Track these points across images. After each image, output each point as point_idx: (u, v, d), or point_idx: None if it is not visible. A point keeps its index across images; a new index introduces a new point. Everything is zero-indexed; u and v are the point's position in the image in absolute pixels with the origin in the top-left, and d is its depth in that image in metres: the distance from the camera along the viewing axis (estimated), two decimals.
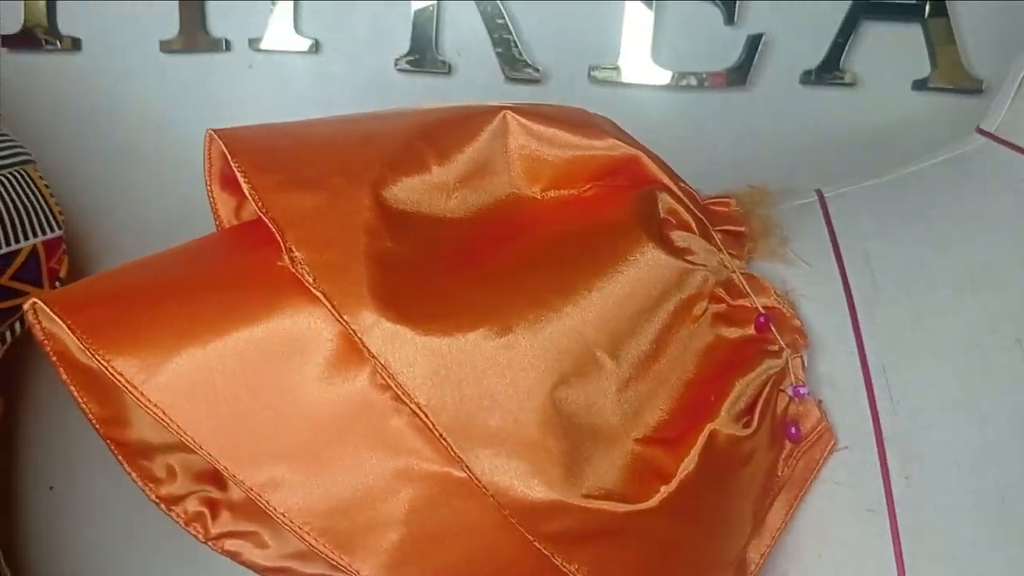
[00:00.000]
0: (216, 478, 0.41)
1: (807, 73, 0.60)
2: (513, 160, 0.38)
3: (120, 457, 0.41)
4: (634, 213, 0.36)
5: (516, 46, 0.60)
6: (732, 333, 0.37)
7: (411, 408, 0.30)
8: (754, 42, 0.59)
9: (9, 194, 0.46)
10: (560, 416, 0.31)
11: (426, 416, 0.30)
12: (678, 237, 0.38)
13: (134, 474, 0.42)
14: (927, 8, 0.58)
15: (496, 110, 0.37)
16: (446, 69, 0.61)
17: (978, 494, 0.33)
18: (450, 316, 0.31)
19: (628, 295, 0.34)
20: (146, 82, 0.64)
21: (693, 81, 0.60)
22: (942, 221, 0.39)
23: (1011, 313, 0.35)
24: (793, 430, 0.36)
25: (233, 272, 0.35)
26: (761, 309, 0.37)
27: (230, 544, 0.43)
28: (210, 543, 0.43)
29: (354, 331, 0.30)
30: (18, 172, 0.48)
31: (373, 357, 0.30)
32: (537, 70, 0.61)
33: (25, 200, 0.47)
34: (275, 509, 0.32)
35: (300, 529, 0.32)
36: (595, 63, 0.60)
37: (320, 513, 0.32)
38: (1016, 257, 0.37)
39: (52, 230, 0.48)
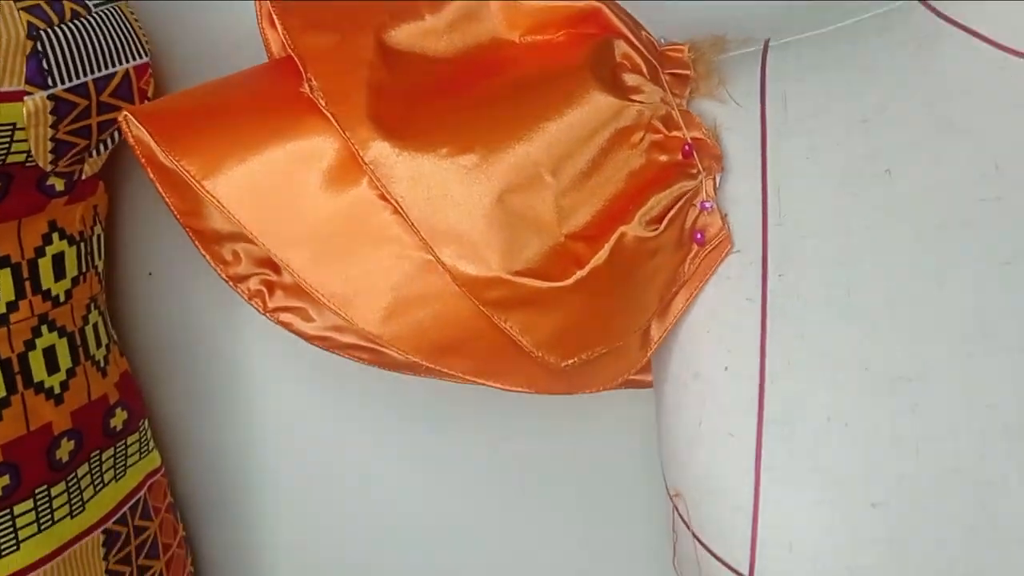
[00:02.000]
0: (272, 263, 0.53)
1: None
2: (495, 10, 0.46)
3: (197, 243, 0.53)
4: (588, 59, 0.45)
5: None
6: (663, 158, 0.46)
7: (393, 204, 0.41)
8: None
9: (105, 27, 0.57)
10: (504, 214, 0.41)
11: (403, 210, 0.41)
12: (629, 78, 0.47)
13: (208, 256, 0.54)
14: None
15: None
16: None
17: (831, 287, 0.42)
18: (427, 135, 0.41)
19: (571, 127, 0.43)
20: None
21: None
22: (851, 69, 0.46)
23: (888, 147, 0.44)
24: (699, 235, 0.46)
25: (271, 97, 0.45)
26: (688, 139, 0.46)
27: (284, 316, 0.56)
28: (268, 315, 0.56)
29: (353, 144, 0.41)
30: (113, 9, 0.59)
31: (365, 164, 0.41)
32: None
33: (118, 32, 0.58)
34: (298, 275, 0.44)
35: (316, 292, 0.44)
36: None
37: (329, 282, 0.44)
38: (904, 100, 0.44)
39: (141, 56, 0.59)
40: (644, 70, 0.47)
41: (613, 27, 0.47)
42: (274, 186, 0.44)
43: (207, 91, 0.48)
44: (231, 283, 0.55)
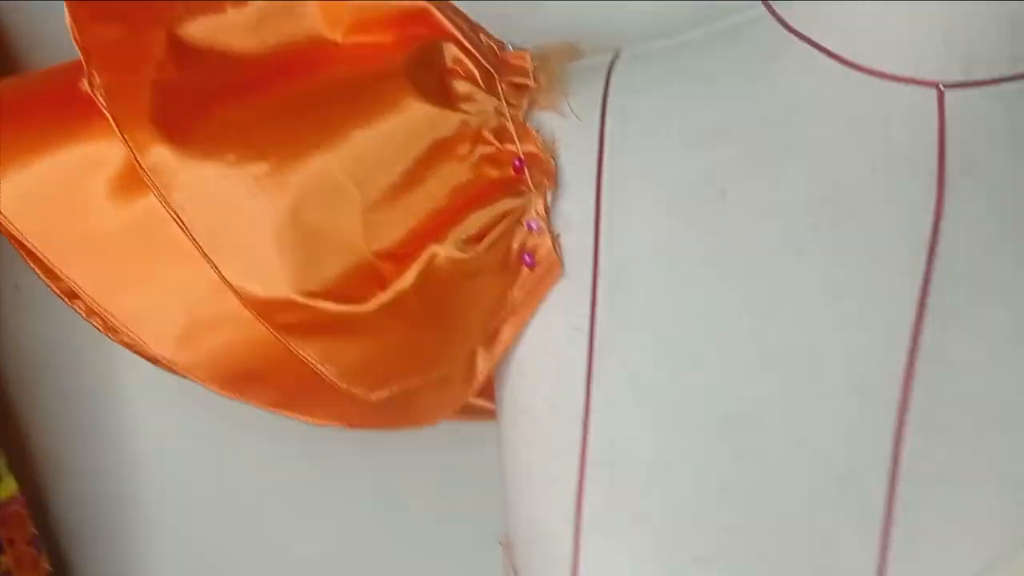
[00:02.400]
0: None
1: None
2: (312, 7, 0.43)
3: (22, 253, 0.49)
4: (407, 64, 0.41)
5: None
6: (494, 172, 0.43)
7: (171, 215, 0.37)
8: None
9: None
10: (299, 230, 0.37)
11: (182, 223, 0.37)
12: (459, 85, 0.43)
13: (35, 269, 0.50)
14: None
15: None
16: None
17: (659, 319, 0.39)
18: (214, 140, 0.38)
19: (382, 137, 0.39)
20: None
21: None
22: (695, 83, 0.43)
23: (724, 167, 0.40)
24: (527, 258, 0.42)
25: (62, 96, 0.41)
26: (521, 153, 0.43)
27: (125, 337, 0.52)
28: (108, 335, 0.52)
29: (131, 148, 0.37)
30: None
31: (143, 171, 0.37)
32: None
33: None
34: (86, 294, 0.40)
35: (106, 313, 0.40)
36: None
37: (119, 302, 0.40)
38: (743, 118, 0.41)
39: None
40: (477, 77, 0.43)
41: (443, 29, 0.43)
42: (59, 195, 0.40)
43: (7, 85, 0.44)
44: (65, 299, 0.51)
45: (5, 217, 0.40)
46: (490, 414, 0.53)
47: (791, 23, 0.42)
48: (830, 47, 0.40)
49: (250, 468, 0.80)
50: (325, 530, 0.81)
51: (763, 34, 0.43)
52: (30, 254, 0.48)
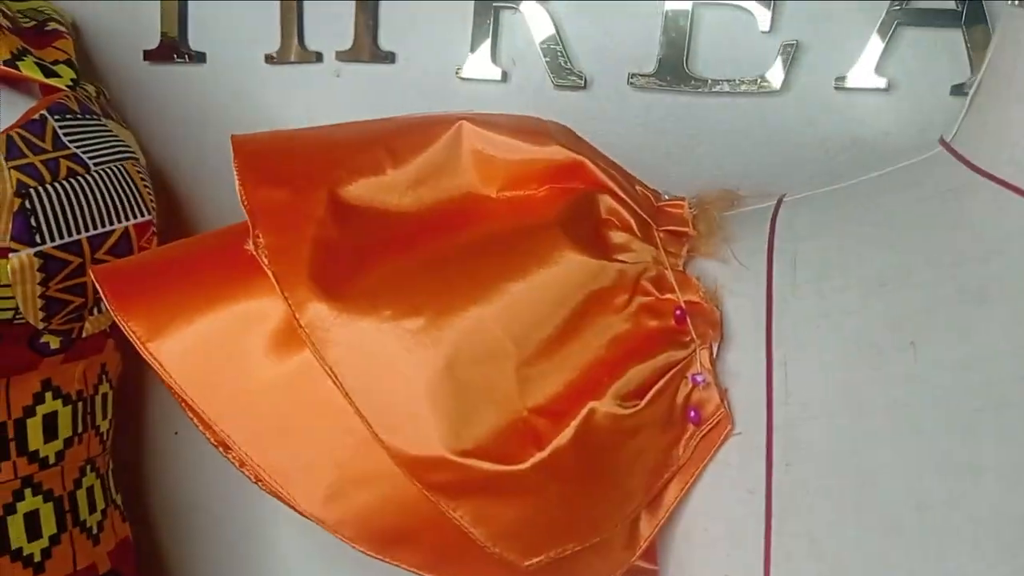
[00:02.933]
0: None
1: (841, 78, 0.61)
2: (468, 163, 0.43)
3: (183, 406, 0.50)
4: (563, 214, 0.41)
5: (562, 55, 0.65)
6: (653, 323, 0.41)
7: (326, 370, 0.37)
8: (788, 49, 0.61)
9: (107, 185, 0.57)
10: (452, 385, 0.36)
11: (336, 379, 0.36)
12: (615, 236, 0.42)
13: (194, 420, 0.51)
14: (964, 13, 0.57)
15: (453, 119, 0.43)
16: (502, 77, 0.67)
17: (844, 479, 0.35)
18: (371, 297, 0.37)
19: (537, 290, 0.38)
20: (255, 90, 0.74)
21: (727, 87, 0.62)
22: (870, 225, 0.40)
23: (911, 315, 0.37)
24: (692, 413, 0.39)
25: (227, 256, 0.43)
26: (681, 303, 0.41)
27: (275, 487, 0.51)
28: (259, 484, 0.52)
29: (290, 305, 0.37)
30: (117, 167, 0.58)
31: (301, 328, 0.37)
32: (581, 77, 0.65)
33: (119, 190, 0.57)
34: (239, 448, 0.40)
35: (256, 466, 0.39)
36: (634, 70, 0.64)
37: (270, 456, 0.39)
38: (927, 261, 0.38)
39: (142, 215, 0.59)
40: (633, 226, 0.42)
41: (598, 181, 0.43)
42: (219, 351, 0.40)
43: (171, 249, 0.46)
44: (220, 449, 0.51)
45: (167, 373, 0.40)
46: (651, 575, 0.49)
47: (976, 163, 0.39)
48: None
49: None
50: None
51: (944, 175, 0.40)
52: (188, 406, 0.49)
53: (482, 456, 0.35)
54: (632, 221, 0.42)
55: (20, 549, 0.56)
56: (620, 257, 0.41)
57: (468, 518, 0.36)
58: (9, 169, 0.51)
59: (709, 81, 0.63)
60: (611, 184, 0.43)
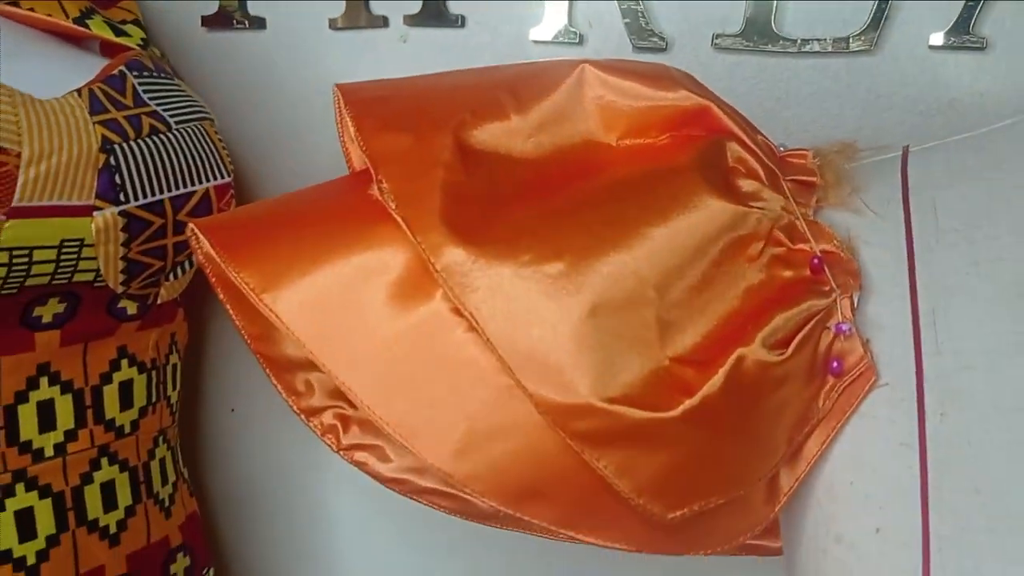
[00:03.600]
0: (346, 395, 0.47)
1: (936, 38, 0.59)
2: (590, 110, 0.41)
3: (268, 370, 0.48)
4: (697, 161, 0.39)
5: (643, 16, 0.63)
6: (787, 273, 0.39)
7: (468, 318, 0.35)
8: (881, 7, 0.59)
9: (186, 145, 0.55)
10: (597, 332, 0.35)
11: (479, 325, 0.35)
12: (745, 184, 0.41)
13: (279, 386, 0.49)
14: None
15: (576, 64, 0.41)
16: (577, 40, 0.65)
17: (1013, 432, 0.34)
18: (508, 241, 0.36)
19: (679, 237, 0.37)
20: (318, 56, 0.72)
21: (817, 47, 0.61)
22: (1013, 174, 0.39)
23: None
24: (835, 364, 0.38)
25: (341, 206, 0.41)
26: (817, 252, 0.39)
27: (358, 455, 0.50)
28: (341, 453, 0.50)
29: (423, 250, 0.36)
30: (196, 127, 0.57)
31: (437, 272, 0.35)
32: (663, 39, 0.63)
33: (200, 150, 0.56)
34: (362, 402, 0.38)
35: (380, 420, 0.38)
36: (719, 31, 0.62)
37: (395, 409, 0.38)
38: None
39: (222, 176, 0.57)
40: (762, 175, 0.41)
41: (724, 127, 0.41)
42: (338, 302, 0.39)
43: (277, 202, 0.44)
44: (303, 416, 0.50)
45: (285, 324, 0.39)
46: (757, 550, 0.47)
47: None
48: None
49: None
50: None
51: None
52: (281, 371, 0.48)
53: (630, 403, 0.34)
54: (760, 169, 0.41)
55: (96, 520, 0.55)
56: (753, 204, 0.40)
57: (613, 468, 0.34)
58: (94, 124, 0.50)
59: (798, 41, 0.61)
60: (737, 130, 0.41)
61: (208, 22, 0.73)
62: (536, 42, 0.66)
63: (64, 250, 0.49)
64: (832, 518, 0.37)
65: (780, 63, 0.62)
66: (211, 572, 0.66)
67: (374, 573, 0.78)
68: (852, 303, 0.38)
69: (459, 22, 0.69)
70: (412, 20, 0.69)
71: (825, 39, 0.61)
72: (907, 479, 0.35)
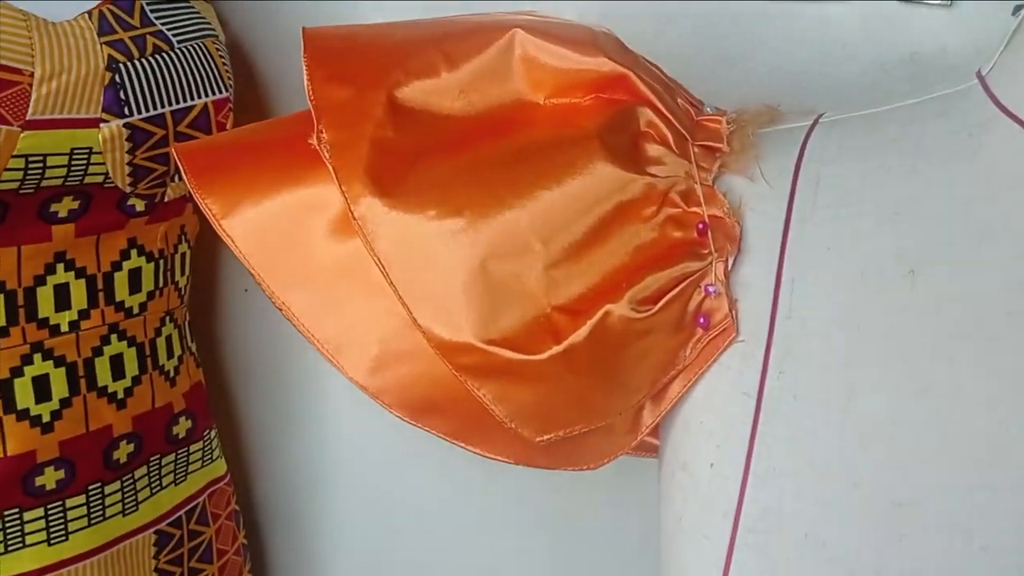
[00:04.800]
0: None
1: None
2: (519, 70, 0.46)
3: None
4: (602, 127, 0.43)
5: None
6: (677, 233, 0.44)
7: (374, 260, 0.41)
8: None
9: (187, 62, 0.61)
10: (485, 281, 0.40)
11: (383, 268, 0.41)
12: (651, 148, 0.45)
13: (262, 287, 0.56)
14: None
15: (507, 27, 0.45)
16: None
17: (830, 392, 0.39)
18: (419, 196, 0.41)
19: (568, 197, 0.41)
20: None
21: None
22: (894, 154, 0.42)
23: (917, 245, 0.40)
24: (702, 320, 0.43)
25: (295, 143, 0.47)
26: (705, 217, 0.44)
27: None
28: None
29: (346, 198, 0.41)
30: (199, 45, 0.62)
31: (354, 219, 0.41)
32: None
33: (200, 67, 0.61)
34: (297, 320, 0.45)
35: (312, 336, 0.45)
36: None
37: (324, 328, 0.44)
38: (942, 194, 0.40)
39: (221, 91, 0.63)
40: (670, 140, 0.45)
41: (640, 94, 0.45)
42: (284, 230, 0.45)
43: (244, 132, 0.50)
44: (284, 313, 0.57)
45: (237, 247, 0.45)
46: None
47: (1003, 101, 0.40)
48: None
49: (430, 471, 0.84)
50: (486, 543, 0.84)
51: (972, 109, 0.42)
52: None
53: (505, 345, 0.40)
54: (669, 135, 0.45)
55: (106, 387, 0.63)
56: (653, 170, 0.44)
57: (490, 397, 0.41)
58: (101, 44, 0.56)
59: None
60: (652, 97, 0.45)
61: None
62: None
63: (75, 156, 0.56)
64: (683, 448, 0.43)
65: (754, 6, 0.64)
66: (212, 433, 0.75)
67: (355, 443, 0.86)
68: (726, 266, 0.43)
69: None
70: None
71: None
72: (741, 424, 0.40)
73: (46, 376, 0.59)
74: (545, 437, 0.41)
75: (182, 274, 0.71)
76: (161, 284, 0.67)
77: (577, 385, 0.41)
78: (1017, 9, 0.56)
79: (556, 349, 0.40)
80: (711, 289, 0.43)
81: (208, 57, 0.62)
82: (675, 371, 0.43)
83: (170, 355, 0.70)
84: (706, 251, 0.43)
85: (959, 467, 0.36)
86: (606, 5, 0.68)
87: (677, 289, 0.42)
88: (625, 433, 0.45)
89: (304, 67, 0.45)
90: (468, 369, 0.40)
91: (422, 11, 0.71)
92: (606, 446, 0.45)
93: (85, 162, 0.56)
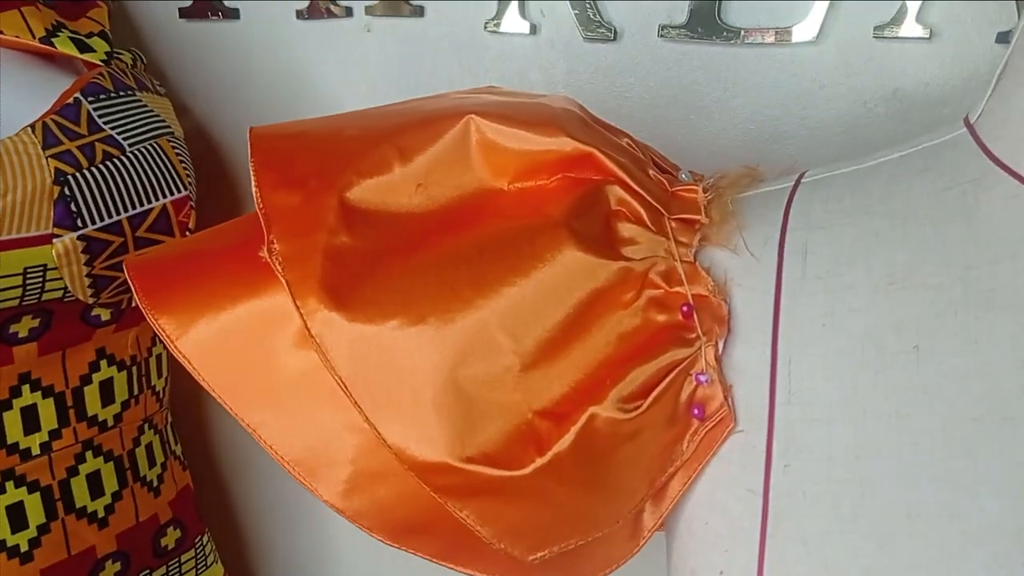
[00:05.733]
0: None
1: (880, 27, 0.58)
2: (477, 157, 0.43)
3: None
4: (569, 212, 0.41)
5: (591, 7, 0.63)
6: (661, 317, 0.41)
7: (335, 379, 0.38)
8: None
9: (141, 165, 0.58)
10: (458, 391, 0.37)
11: (345, 386, 0.38)
12: (624, 228, 0.42)
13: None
14: None
15: (461, 114, 0.43)
16: (531, 30, 0.66)
17: (841, 485, 0.36)
18: (379, 305, 0.38)
19: (536, 290, 0.38)
20: (289, 45, 0.74)
21: (760, 38, 0.60)
22: (884, 217, 0.39)
23: (918, 317, 0.37)
24: (696, 411, 0.40)
25: (248, 251, 0.44)
26: (689, 298, 0.41)
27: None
28: None
29: (302, 315, 0.38)
30: (152, 146, 0.60)
31: (312, 336, 0.38)
32: (611, 29, 0.64)
33: (155, 168, 0.59)
34: (265, 443, 0.42)
35: (282, 459, 0.42)
36: (665, 21, 0.62)
37: (293, 450, 0.41)
38: (938, 259, 0.37)
39: (180, 191, 0.60)
40: (644, 217, 0.42)
41: (607, 170, 0.42)
42: (243, 346, 0.42)
43: (196, 242, 0.47)
44: None
45: (195, 369, 0.42)
46: None
47: (996, 152, 0.37)
48: None
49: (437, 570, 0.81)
50: None
51: (963, 162, 0.39)
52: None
53: (485, 462, 0.37)
54: (642, 211, 0.42)
55: (84, 507, 0.61)
56: (628, 251, 0.41)
57: (474, 518, 0.37)
58: (47, 158, 0.53)
59: (742, 32, 0.61)
60: (621, 173, 0.42)
61: (186, 13, 0.75)
62: (493, 32, 0.67)
63: (29, 276, 0.53)
64: (690, 554, 0.40)
65: (726, 52, 0.62)
66: (205, 538, 0.72)
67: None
68: (716, 350, 0.40)
69: (418, 12, 0.70)
70: (374, 10, 0.71)
71: (769, 29, 0.60)
72: (749, 525, 0.37)
73: (20, 504, 0.56)
74: (538, 555, 0.38)
75: (159, 376, 0.68)
76: (136, 392, 0.65)
77: (567, 497, 0.38)
78: (1002, 36, 0.54)
79: (540, 461, 0.37)
80: (702, 378, 0.40)
81: (163, 157, 0.60)
82: (673, 468, 0.40)
83: (151, 464, 0.67)
84: (693, 335, 0.40)
85: (985, 565, 0.33)
86: (572, 61, 0.65)
87: (666, 381, 0.39)
88: (626, 540, 0.42)
89: (251, 173, 0.43)
90: (447, 490, 0.37)
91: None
92: (606, 556, 0.42)
93: (40, 280, 0.54)
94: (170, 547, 0.67)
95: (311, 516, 0.86)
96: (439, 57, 0.69)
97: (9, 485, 0.56)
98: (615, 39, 0.64)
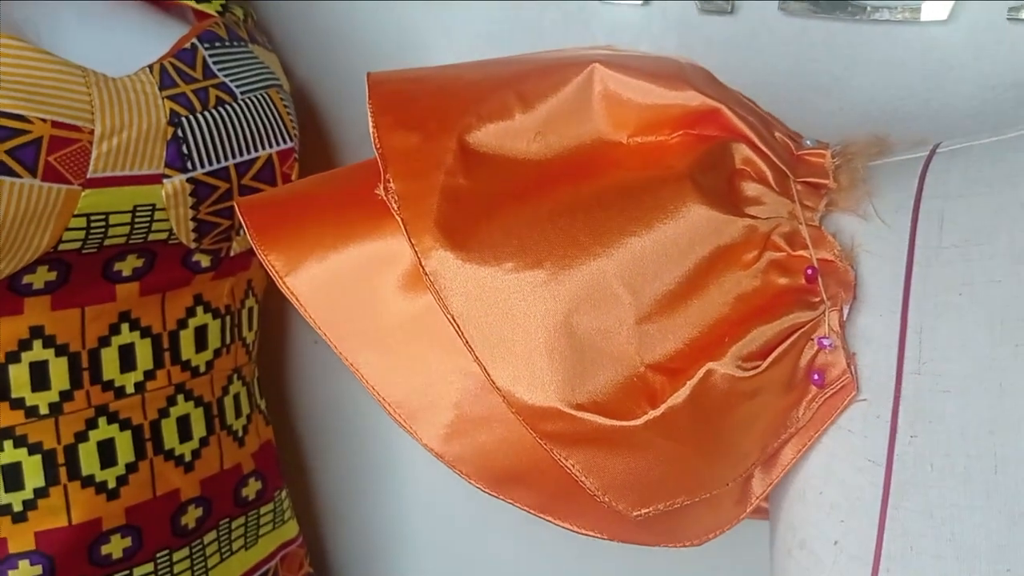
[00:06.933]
0: None
1: (1016, 8, 0.55)
2: (599, 108, 0.42)
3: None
4: (694, 166, 0.39)
5: None
6: (782, 280, 0.39)
7: (448, 318, 0.37)
8: None
9: (251, 113, 0.59)
10: (571, 337, 0.36)
11: (458, 326, 0.37)
12: (749, 187, 0.41)
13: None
14: None
15: (586, 63, 0.42)
16: (643, 1, 0.65)
17: (973, 460, 0.34)
18: (495, 247, 0.38)
19: (658, 244, 0.37)
20: (390, 9, 0.74)
21: (887, 15, 0.58)
22: (1022, 189, 0.37)
23: None
24: (816, 376, 0.38)
25: (361, 195, 0.44)
26: (814, 261, 0.39)
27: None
28: None
29: (416, 252, 0.38)
30: (262, 95, 0.60)
31: (426, 275, 0.38)
32: (728, 1, 0.62)
33: (264, 118, 0.59)
34: (367, 382, 0.41)
35: (383, 400, 0.41)
36: None
37: (396, 391, 0.41)
38: None
39: (286, 142, 0.61)
40: (769, 178, 0.41)
41: (734, 128, 0.41)
42: (351, 287, 0.42)
43: (308, 184, 0.47)
44: None
45: (302, 305, 0.42)
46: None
47: None
48: None
49: (513, 538, 0.80)
50: None
51: None
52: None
53: (595, 410, 0.36)
54: (768, 172, 0.41)
55: (172, 450, 0.61)
56: (752, 211, 0.40)
57: (579, 467, 0.36)
58: (163, 99, 0.54)
59: (868, 8, 0.58)
60: (748, 132, 0.41)
61: None
62: (604, 2, 0.66)
63: (138, 214, 0.54)
64: (800, 523, 0.38)
65: (849, 29, 0.60)
66: (283, 493, 0.73)
67: (450, 500, 0.83)
68: (841, 316, 0.38)
69: None
70: None
71: (896, 7, 0.58)
72: (870, 496, 0.36)
73: (111, 440, 0.57)
74: (643, 511, 0.37)
75: (250, 330, 0.69)
76: (228, 341, 0.65)
77: (677, 453, 0.37)
78: None
79: (653, 414, 0.36)
80: (825, 342, 0.38)
81: (272, 107, 0.60)
82: (787, 434, 0.39)
83: (238, 414, 0.67)
84: (817, 299, 0.38)
85: None
86: (685, 33, 0.64)
87: (787, 343, 0.37)
88: (733, 505, 0.40)
89: (369, 114, 0.42)
90: (554, 437, 0.36)
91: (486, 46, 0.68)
92: (712, 520, 0.40)
93: (148, 219, 0.54)
94: (251, 498, 0.68)
95: (386, 489, 0.86)
96: (546, 26, 0.69)
97: (102, 421, 0.57)
98: (732, 12, 0.62)
